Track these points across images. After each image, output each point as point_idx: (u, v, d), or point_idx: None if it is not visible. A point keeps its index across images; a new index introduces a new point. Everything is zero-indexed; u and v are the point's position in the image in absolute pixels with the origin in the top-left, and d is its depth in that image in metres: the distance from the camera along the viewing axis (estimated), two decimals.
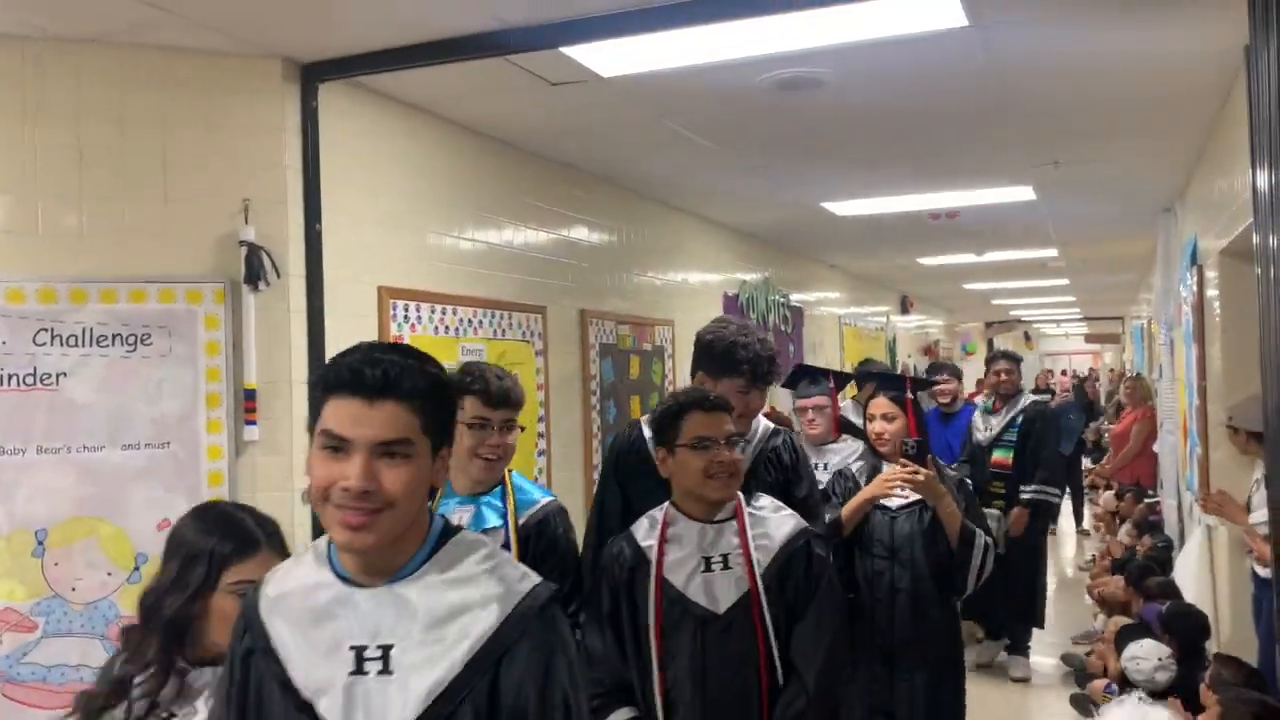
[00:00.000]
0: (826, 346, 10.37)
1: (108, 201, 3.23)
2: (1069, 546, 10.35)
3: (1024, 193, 6.36)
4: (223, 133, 3.34)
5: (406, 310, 3.89)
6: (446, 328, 4.13)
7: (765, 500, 2.60)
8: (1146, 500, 7.82)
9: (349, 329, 3.61)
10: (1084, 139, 5.04)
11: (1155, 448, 7.90)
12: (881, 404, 3.50)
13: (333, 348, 3.49)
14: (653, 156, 5.15)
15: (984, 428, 6.23)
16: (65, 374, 3.13)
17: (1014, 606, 6.01)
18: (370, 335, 3.74)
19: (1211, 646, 4.58)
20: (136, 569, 3.16)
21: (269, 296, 3.34)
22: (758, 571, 2.41)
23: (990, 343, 22.08)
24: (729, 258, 7.75)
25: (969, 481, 4.05)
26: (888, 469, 3.39)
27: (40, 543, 3.10)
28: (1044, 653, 6.44)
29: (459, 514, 2.58)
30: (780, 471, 2.92)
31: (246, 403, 3.33)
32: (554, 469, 4.86)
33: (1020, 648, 6.13)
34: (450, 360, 4.15)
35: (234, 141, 3.35)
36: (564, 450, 5.00)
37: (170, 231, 3.29)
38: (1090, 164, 5.61)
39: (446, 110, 4.17)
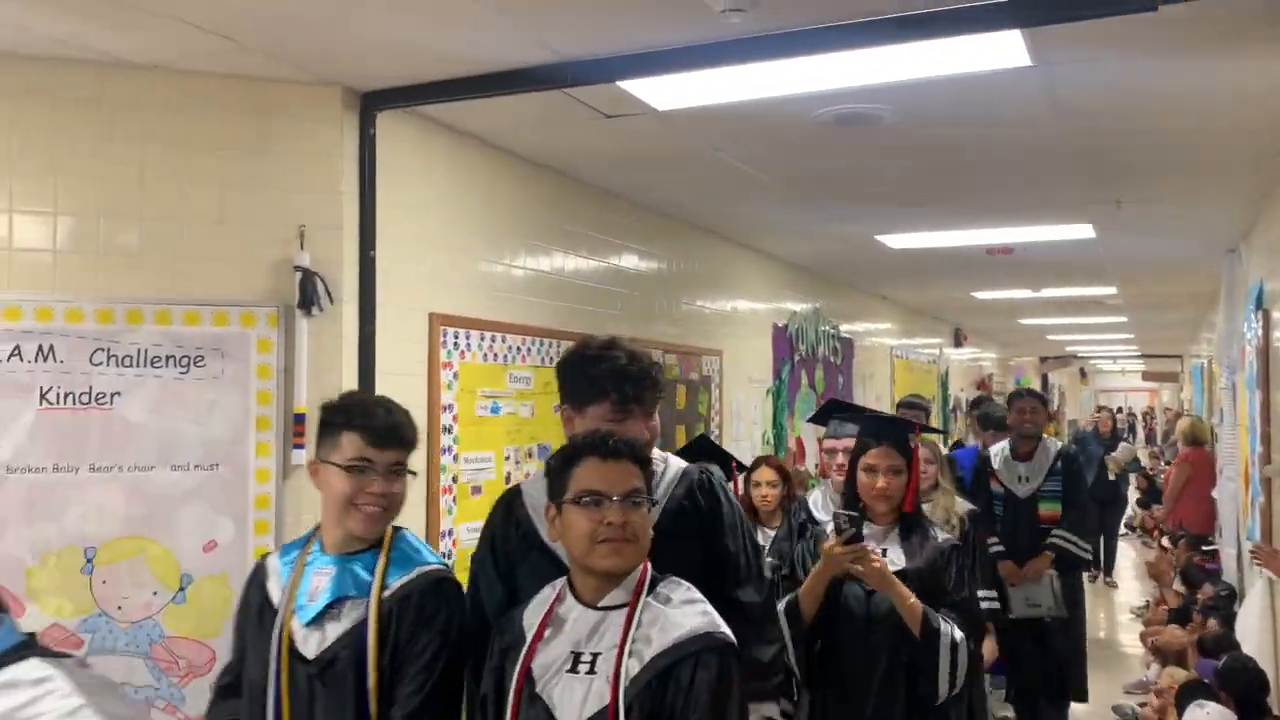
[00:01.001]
0: (877, 379, 10.27)
1: (166, 224, 3.28)
2: (1104, 593, 10.01)
3: (1083, 230, 6.25)
4: (281, 159, 3.38)
5: (456, 337, 3.90)
6: (495, 355, 4.13)
7: (678, 588, 2.00)
8: (1204, 549, 7.61)
9: (400, 355, 3.63)
10: (1147, 178, 4.94)
11: (1214, 494, 7.70)
12: (889, 455, 2.95)
13: (383, 373, 3.51)
14: (705, 188, 5.13)
15: (1015, 477, 5.54)
16: (119, 394, 3.17)
17: (1047, 681, 5.35)
18: (420, 362, 3.75)
19: (1272, 703, 4.42)
20: (182, 589, 3.19)
21: (321, 321, 3.37)
22: (622, 683, 1.85)
23: (1045, 378, 21.75)
24: (778, 288, 7.70)
25: (983, 541, 4.09)
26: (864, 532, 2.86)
27: (89, 560, 3.13)
28: (1095, 700, 6.27)
29: (317, 578, 2.16)
30: (693, 519, 2.28)
31: (296, 426, 3.34)
32: None
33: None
34: (500, 387, 4.15)
35: (292, 168, 3.39)
36: None
37: (226, 255, 3.33)
38: (1153, 203, 5.50)
39: (501, 140, 4.19)
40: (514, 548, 2.29)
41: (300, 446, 3.34)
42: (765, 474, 4.48)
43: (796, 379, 7.85)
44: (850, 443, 3.24)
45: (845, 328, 9.19)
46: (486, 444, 4.05)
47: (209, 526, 3.23)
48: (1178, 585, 7.16)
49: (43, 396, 3.10)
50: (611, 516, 1.93)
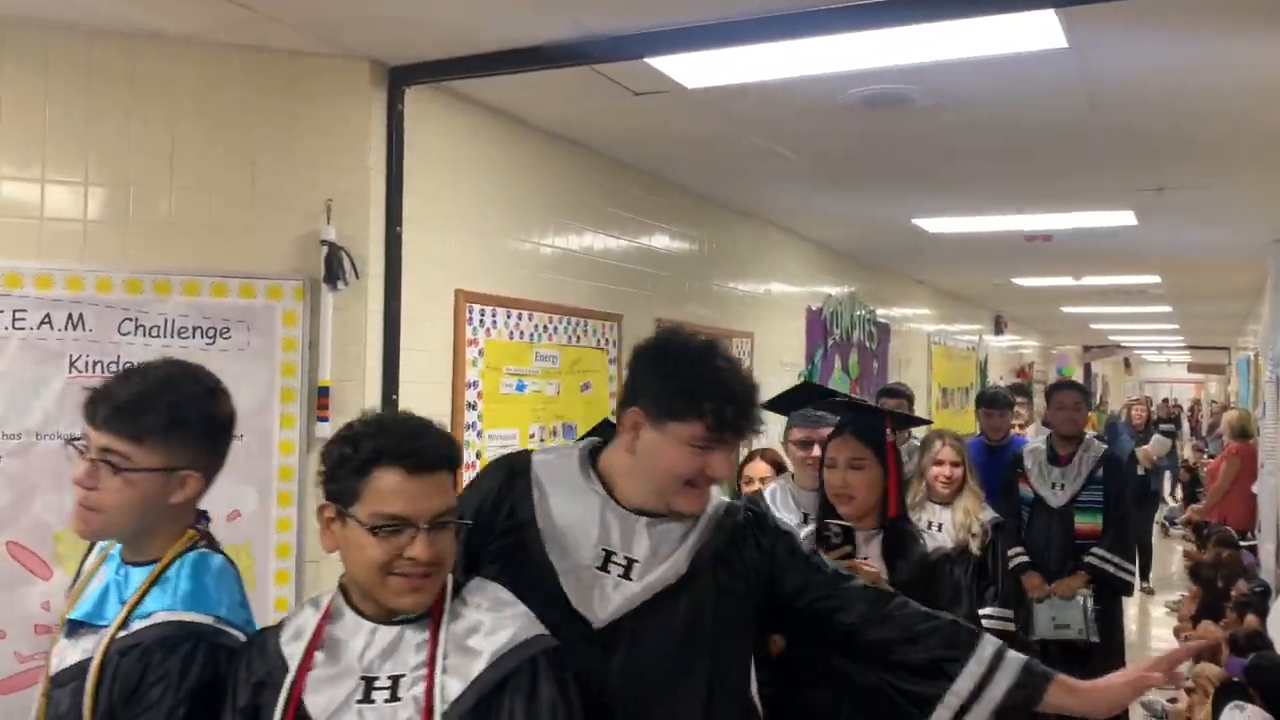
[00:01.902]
0: (914, 365, 10.17)
1: (195, 197, 3.31)
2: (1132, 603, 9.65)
3: (1125, 217, 6.13)
4: (309, 133, 3.40)
5: (483, 314, 3.91)
6: (521, 333, 4.14)
7: (486, 589, 1.67)
8: (1244, 544, 7.47)
9: (425, 331, 3.65)
10: (1190, 164, 4.83)
11: (1254, 489, 7.55)
12: (848, 445, 2.53)
13: (408, 349, 3.53)
14: (736, 167, 5.09)
15: (1049, 483, 4.89)
16: None
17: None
18: (446, 337, 3.77)
19: None
20: None
21: (347, 296, 3.38)
22: (438, 707, 1.52)
23: (1088, 367, 21.46)
24: (813, 271, 7.64)
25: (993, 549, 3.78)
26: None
27: None
28: None
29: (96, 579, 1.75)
30: (751, 576, 1.84)
31: (319, 399, 3.37)
32: None
33: None
34: (525, 365, 4.16)
35: (319, 142, 3.41)
36: None
37: (254, 228, 3.35)
38: (1196, 190, 5.38)
39: (530, 115, 4.18)
40: (494, 535, 1.83)
41: (325, 419, 3.36)
42: (759, 469, 3.77)
43: (830, 364, 7.79)
44: (826, 434, 2.83)
45: (882, 312, 9.11)
46: (511, 421, 4.06)
47: (233, 496, 3.26)
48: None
49: (72, 365, 3.15)
50: (416, 551, 1.54)
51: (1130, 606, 8.53)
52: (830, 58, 3.34)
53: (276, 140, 3.37)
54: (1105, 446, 5.07)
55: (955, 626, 1.87)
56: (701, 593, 1.79)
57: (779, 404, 2.84)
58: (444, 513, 1.58)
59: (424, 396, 3.64)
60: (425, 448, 1.57)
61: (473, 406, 3.86)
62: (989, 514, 3.95)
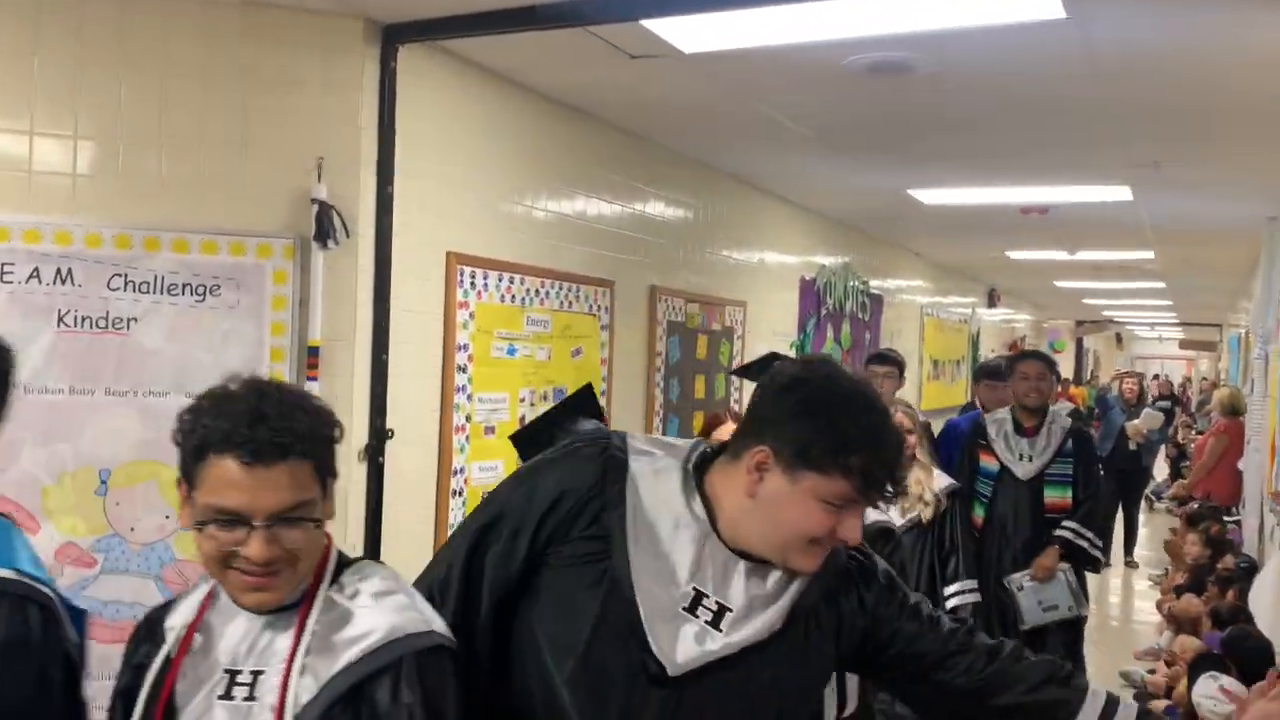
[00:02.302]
0: (905, 336, 10.18)
1: (185, 153, 3.28)
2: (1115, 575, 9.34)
3: (1120, 193, 6.12)
4: (301, 90, 3.37)
5: (474, 277, 3.90)
6: (513, 297, 4.13)
7: (372, 576, 1.50)
8: (1225, 519, 7.53)
9: (416, 292, 3.64)
10: (1187, 140, 4.81)
11: (1240, 465, 7.60)
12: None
13: (399, 310, 3.52)
14: (732, 134, 5.06)
15: (1016, 455, 4.78)
16: (136, 319, 3.20)
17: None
18: (437, 299, 3.76)
19: None
20: None
21: (338, 255, 3.37)
22: (288, 713, 1.37)
23: (1079, 342, 21.52)
24: (808, 241, 7.62)
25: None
26: None
27: (103, 482, 3.18)
28: (1106, 665, 6.27)
29: None
30: (845, 634, 1.65)
31: (309, 358, 3.37)
32: None
33: None
34: (516, 329, 4.15)
35: (311, 99, 3.37)
36: (623, 428, 4.97)
37: (244, 185, 3.33)
38: (1193, 167, 5.37)
39: (525, 77, 4.14)
40: (567, 540, 1.58)
41: (314, 379, 3.36)
42: (727, 431, 3.67)
43: (822, 334, 7.80)
44: None
45: (875, 284, 9.10)
46: (501, 385, 4.07)
47: None
48: (1191, 547, 7.07)
49: (60, 319, 3.14)
50: (250, 550, 1.37)
51: (1113, 578, 8.63)
52: (831, 24, 3.31)
53: (268, 97, 3.34)
54: (1071, 419, 4.96)
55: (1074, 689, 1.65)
56: (789, 650, 1.58)
57: (747, 371, 2.71)
58: (292, 507, 1.38)
59: (414, 358, 3.64)
60: (264, 435, 1.36)
61: (463, 369, 3.86)
62: (944, 481, 3.78)
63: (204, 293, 3.26)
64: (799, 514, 1.52)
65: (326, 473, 1.46)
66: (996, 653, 1.64)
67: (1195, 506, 7.98)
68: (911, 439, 3.59)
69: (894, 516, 3.26)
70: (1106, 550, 8.93)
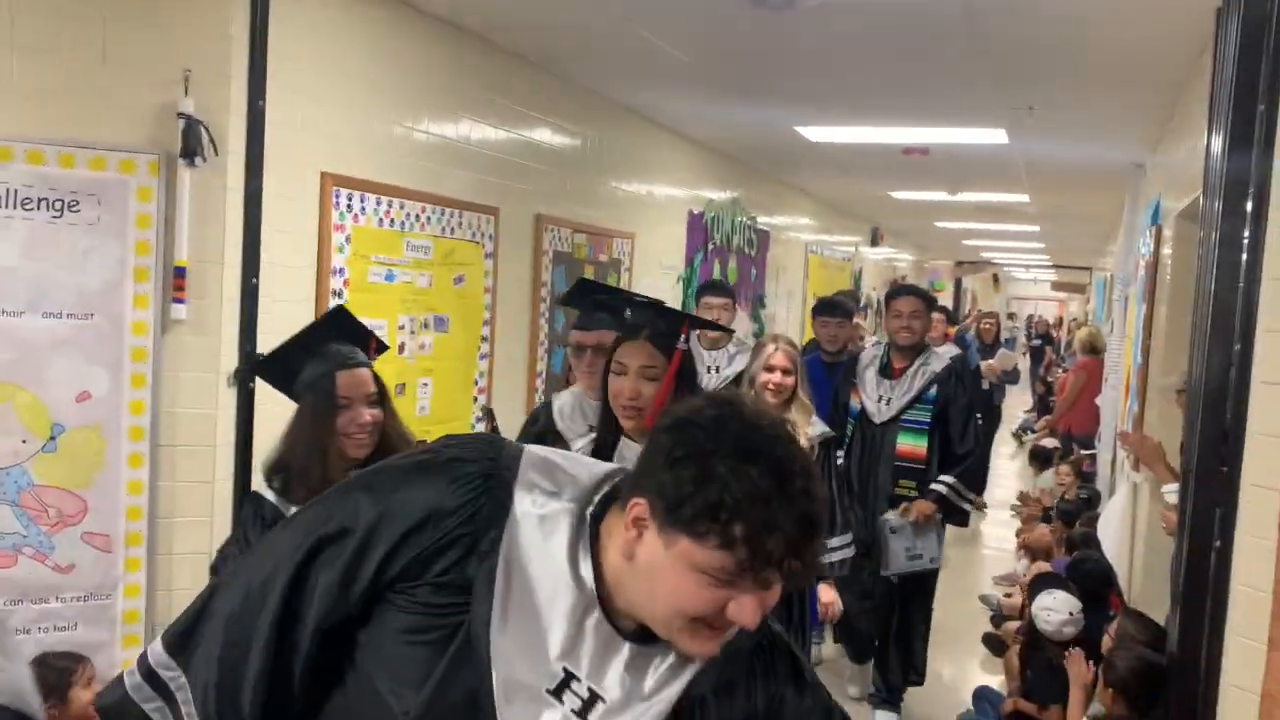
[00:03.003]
0: (791, 273, 10.36)
1: (38, 59, 3.10)
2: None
3: (997, 135, 6.30)
4: None
5: (350, 200, 3.80)
6: (392, 221, 4.05)
7: None
8: (1085, 452, 7.96)
9: (288, 213, 3.54)
10: (1058, 85, 4.97)
11: (1098, 401, 8.01)
12: (643, 351, 2.30)
13: (270, 231, 3.42)
14: (622, 63, 5.02)
15: (876, 397, 4.46)
16: None
17: (887, 650, 4.63)
18: (311, 222, 3.66)
19: (1125, 596, 4.70)
20: (53, 439, 3.12)
21: (205, 173, 3.25)
22: None
23: (958, 282, 22.20)
24: (697, 174, 7.65)
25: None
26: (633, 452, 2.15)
27: None
28: (963, 594, 6.61)
29: None
30: None
31: (176, 280, 3.25)
32: (495, 377, 4.83)
33: (891, 698, 4.64)
34: (395, 255, 4.08)
35: (178, 7, 3.22)
36: (507, 358, 4.96)
37: (105, 97, 3.17)
38: (1064, 112, 5.55)
39: None
40: (422, 570, 1.28)
41: (181, 301, 3.26)
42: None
43: (709, 268, 7.87)
44: (605, 338, 2.67)
45: (763, 220, 9.20)
46: (379, 311, 4.00)
47: (82, 377, 3.16)
48: (1055, 476, 7.46)
49: None
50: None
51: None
52: None
53: (130, 3, 3.17)
54: (949, 361, 4.53)
55: None
56: None
57: (568, 300, 2.67)
58: None
59: (286, 282, 3.55)
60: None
61: (338, 295, 3.78)
62: (819, 428, 3.54)
63: (61, 208, 3.11)
64: (674, 586, 1.19)
65: None
66: None
67: (1052, 444, 8.40)
68: (790, 380, 3.49)
69: None
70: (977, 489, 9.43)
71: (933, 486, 4.38)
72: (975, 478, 4.60)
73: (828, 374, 4.86)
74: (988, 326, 10.82)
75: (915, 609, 4.63)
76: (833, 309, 5.41)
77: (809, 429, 3.47)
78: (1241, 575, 2.35)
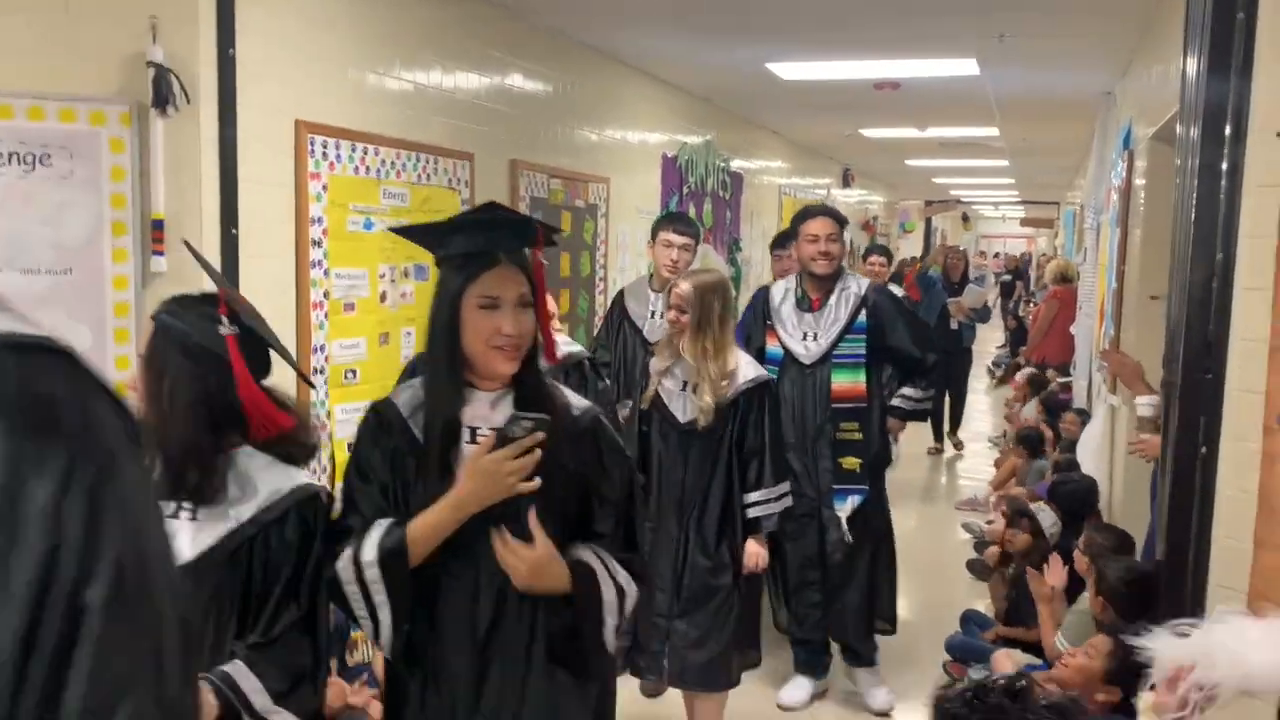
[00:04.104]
0: (764, 215, 10.35)
1: (4, 9, 3.03)
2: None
3: (968, 66, 6.29)
4: None
5: (325, 147, 3.76)
6: (368, 168, 4.01)
7: None
8: (1060, 380, 8.06)
9: (264, 162, 3.49)
10: (1029, 12, 4.97)
11: (1072, 329, 8.11)
12: (511, 280, 1.87)
13: (246, 180, 3.38)
14: (594, 4, 4.97)
15: (797, 334, 3.93)
16: None
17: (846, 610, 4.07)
18: (287, 170, 3.62)
19: (1104, 515, 4.80)
20: None
21: (178, 123, 3.20)
22: None
23: (928, 221, 22.26)
24: (671, 118, 7.60)
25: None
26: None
27: None
28: (948, 522, 6.72)
29: None
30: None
31: (154, 233, 3.21)
32: None
33: (863, 655, 4.17)
34: (373, 203, 4.05)
35: None
36: None
37: (71, 47, 3.11)
38: (1034, 39, 5.55)
39: None
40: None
41: (160, 253, 3.22)
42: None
43: (685, 212, 7.85)
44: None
45: (736, 163, 9.17)
46: (360, 260, 3.98)
47: (64, 333, 3.07)
48: (1033, 410, 7.57)
49: None
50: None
51: (947, 449, 9.12)
52: None
53: None
54: (870, 283, 4.12)
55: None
56: None
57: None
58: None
59: (266, 233, 3.52)
60: None
61: (318, 244, 3.75)
62: (748, 373, 3.33)
63: (33, 162, 3.06)
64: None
65: None
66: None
67: (1032, 371, 8.49)
68: (684, 318, 3.25)
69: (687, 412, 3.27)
70: (952, 427, 9.06)
71: (894, 404, 4.05)
72: (929, 377, 4.06)
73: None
74: (954, 262, 9.97)
75: (872, 549, 4.08)
76: (784, 242, 5.30)
77: (737, 377, 3.24)
78: (1227, 479, 2.41)
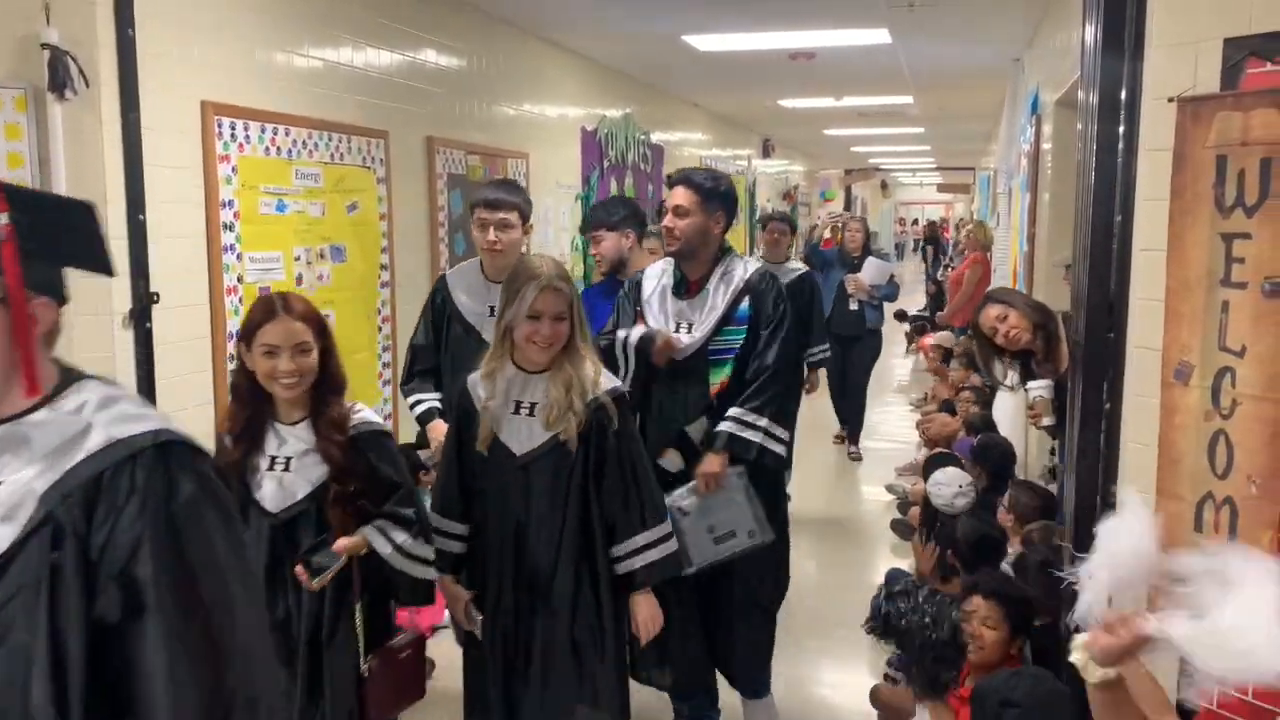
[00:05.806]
0: None
1: None
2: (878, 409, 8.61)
3: (880, 35, 6.37)
4: None
5: (234, 128, 3.68)
6: (279, 149, 3.94)
7: None
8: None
9: (170, 146, 3.41)
10: None
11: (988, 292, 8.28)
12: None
13: (152, 165, 3.30)
14: None
15: (673, 325, 3.07)
16: None
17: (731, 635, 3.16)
18: (194, 153, 3.54)
19: (1019, 473, 4.95)
20: None
21: (77, 107, 3.10)
22: None
23: (848, 190, 22.52)
24: (589, 92, 7.57)
25: None
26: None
27: None
28: (871, 482, 6.85)
29: None
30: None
31: None
32: (398, 303, 4.78)
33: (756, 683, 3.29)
34: (285, 184, 3.98)
35: None
36: (409, 284, 4.89)
37: None
38: (944, 8, 5.64)
39: None
40: None
41: None
42: None
43: (606, 186, 7.85)
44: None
45: (657, 136, 9.18)
46: (273, 243, 3.91)
47: None
48: (956, 368, 7.73)
49: None
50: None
51: (877, 411, 9.26)
52: None
53: None
54: (760, 266, 3.19)
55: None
56: None
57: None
58: None
59: (175, 218, 3.44)
60: None
61: (230, 228, 3.68)
62: (607, 382, 2.55)
63: None
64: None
65: None
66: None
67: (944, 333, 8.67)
68: (561, 327, 2.46)
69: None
70: (852, 436, 7.45)
71: (718, 429, 3.00)
72: (771, 400, 3.02)
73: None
74: (853, 233, 7.85)
75: (742, 604, 3.15)
76: (764, 222, 5.39)
77: (590, 384, 2.49)
78: (1130, 433, 2.50)
